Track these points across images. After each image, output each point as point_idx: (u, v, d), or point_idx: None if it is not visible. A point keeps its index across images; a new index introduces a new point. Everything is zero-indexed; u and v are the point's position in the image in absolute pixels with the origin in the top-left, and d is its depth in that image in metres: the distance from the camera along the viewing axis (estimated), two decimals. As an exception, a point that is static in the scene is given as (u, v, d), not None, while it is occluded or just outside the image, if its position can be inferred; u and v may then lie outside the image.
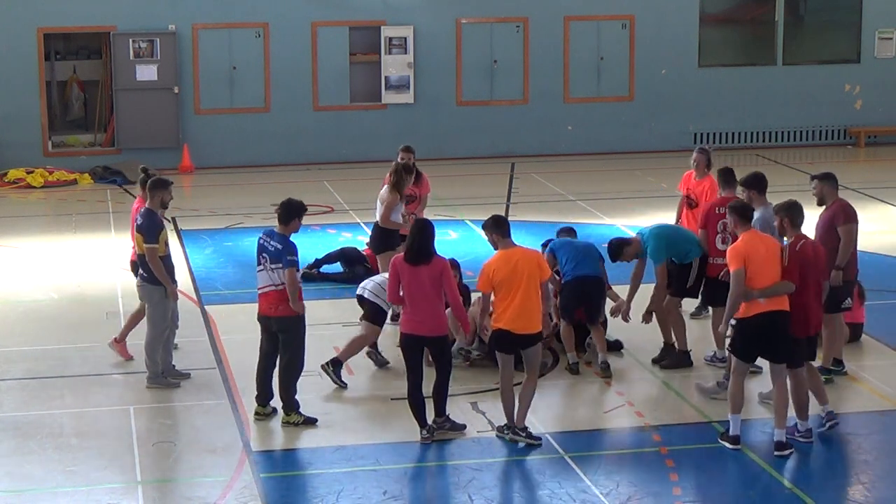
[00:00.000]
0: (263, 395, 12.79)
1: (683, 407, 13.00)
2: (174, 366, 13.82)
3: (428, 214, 15.28)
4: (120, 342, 14.43)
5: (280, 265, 12.34)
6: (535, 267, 11.87)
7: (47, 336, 15.42)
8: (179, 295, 14.11)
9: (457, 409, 12.84)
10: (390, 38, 26.32)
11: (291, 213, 12.49)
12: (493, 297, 11.95)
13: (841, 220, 13.24)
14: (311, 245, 19.53)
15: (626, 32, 27.06)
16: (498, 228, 12.05)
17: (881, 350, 14.73)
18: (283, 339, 12.58)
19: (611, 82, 27.17)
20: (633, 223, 20.50)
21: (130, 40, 25.41)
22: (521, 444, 12.00)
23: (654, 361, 14.03)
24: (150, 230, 13.35)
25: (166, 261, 13.50)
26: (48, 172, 24.59)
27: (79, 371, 14.20)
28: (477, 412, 12.88)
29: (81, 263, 18.71)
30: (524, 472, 11.65)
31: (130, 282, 14.39)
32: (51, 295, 17.12)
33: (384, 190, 15.22)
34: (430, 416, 12.29)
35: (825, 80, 28.02)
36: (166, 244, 13.50)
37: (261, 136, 26.03)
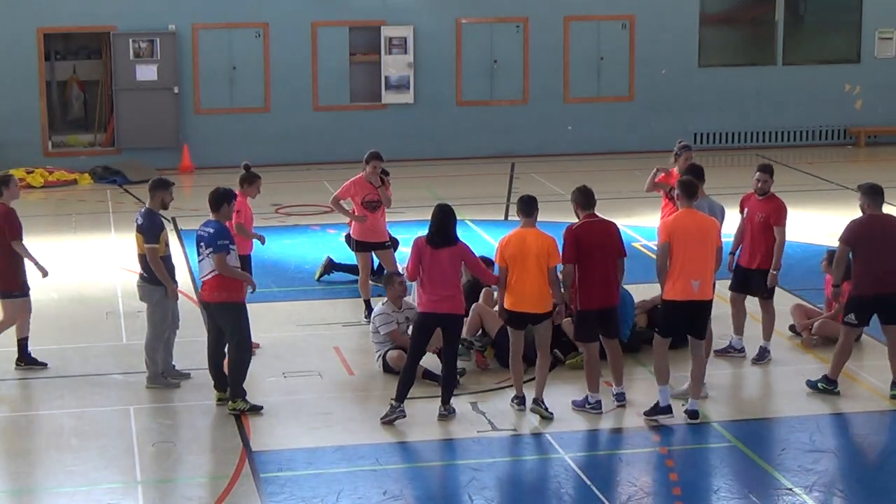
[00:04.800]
0: (218, 381, 13.05)
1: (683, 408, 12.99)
2: (174, 366, 13.83)
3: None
4: None
5: (211, 249, 12.61)
6: (545, 251, 12.45)
7: (47, 336, 15.40)
8: (180, 295, 14.10)
9: (457, 410, 12.86)
10: (390, 38, 26.32)
11: (220, 199, 12.84)
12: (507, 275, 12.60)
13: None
14: (311, 245, 19.54)
15: (626, 32, 27.06)
16: (520, 206, 12.81)
17: (881, 350, 14.70)
18: (224, 327, 12.84)
19: (611, 82, 27.17)
20: (632, 223, 20.51)
21: (130, 40, 25.41)
22: (537, 417, 12.43)
23: None
24: (150, 230, 13.36)
25: (167, 261, 13.51)
26: (48, 172, 24.58)
27: (79, 371, 14.21)
28: (477, 412, 12.89)
29: (81, 263, 18.70)
30: (524, 472, 11.65)
31: (130, 282, 14.40)
32: (51, 295, 17.11)
33: None
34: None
35: (825, 80, 28.01)
36: (167, 244, 13.51)
37: (261, 136, 26.02)
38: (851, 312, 13.16)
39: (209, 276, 12.73)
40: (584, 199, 12.83)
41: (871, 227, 13.02)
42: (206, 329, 13.15)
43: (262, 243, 14.93)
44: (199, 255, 12.85)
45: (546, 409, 12.69)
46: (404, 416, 12.56)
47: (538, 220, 12.78)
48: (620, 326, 13.24)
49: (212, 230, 12.72)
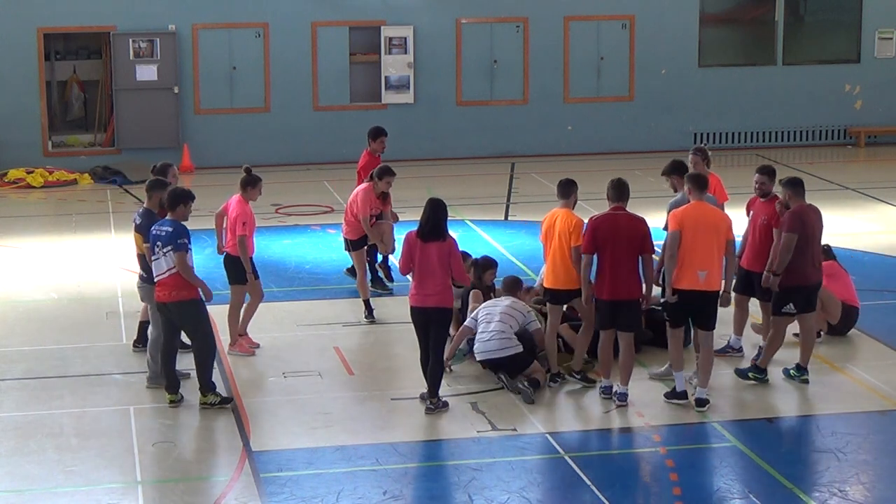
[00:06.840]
0: (171, 385, 13.06)
1: (683, 407, 12.99)
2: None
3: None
4: (234, 344, 14.60)
5: (171, 247, 12.68)
6: (567, 230, 13.14)
7: (47, 336, 15.42)
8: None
9: (457, 410, 12.89)
10: (390, 38, 26.33)
11: (177, 200, 12.91)
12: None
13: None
14: (311, 245, 19.54)
15: (626, 32, 27.07)
16: (557, 187, 13.55)
17: (881, 350, 14.73)
18: (184, 326, 12.91)
19: (611, 82, 27.18)
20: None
21: (130, 40, 25.42)
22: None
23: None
24: (149, 230, 13.34)
25: (166, 261, 13.51)
26: (48, 172, 24.59)
27: (79, 371, 14.21)
28: (477, 412, 12.89)
29: (81, 263, 18.71)
30: (524, 472, 11.65)
31: (130, 282, 14.40)
32: (51, 295, 17.12)
33: None
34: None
35: (825, 80, 28.02)
36: (166, 244, 13.51)
37: (261, 136, 26.03)
38: (791, 303, 13.38)
39: (165, 276, 12.77)
40: (612, 191, 13.07)
41: (807, 216, 13.35)
42: (161, 330, 13.11)
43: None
44: (153, 254, 12.88)
45: (584, 377, 13.44)
46: (446, 407, 12.94)
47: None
48: (639, 322, 13.24)
49: (170, 229, 12.78)
